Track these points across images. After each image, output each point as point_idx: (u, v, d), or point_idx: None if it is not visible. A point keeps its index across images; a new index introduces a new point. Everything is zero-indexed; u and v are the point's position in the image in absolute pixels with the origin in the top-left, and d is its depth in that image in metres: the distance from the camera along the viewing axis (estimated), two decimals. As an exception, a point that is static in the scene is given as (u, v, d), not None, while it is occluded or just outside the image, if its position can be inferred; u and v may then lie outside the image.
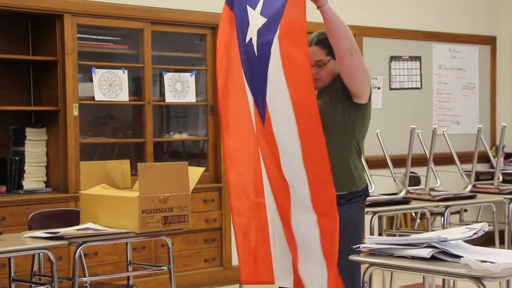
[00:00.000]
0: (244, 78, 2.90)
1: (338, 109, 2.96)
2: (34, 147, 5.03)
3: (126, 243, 4.01)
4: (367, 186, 3.08)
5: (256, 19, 2.84)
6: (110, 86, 5.22)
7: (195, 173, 3.69)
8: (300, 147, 2.68)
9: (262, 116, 2.80)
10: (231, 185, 3.05)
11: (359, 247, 2.49)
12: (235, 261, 5.64)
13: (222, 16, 3.06)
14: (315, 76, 2.96)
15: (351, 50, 2.84)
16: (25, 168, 4.98)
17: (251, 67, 2.85)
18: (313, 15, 2.88)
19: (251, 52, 2.83)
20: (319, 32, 3.02)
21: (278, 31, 2.71)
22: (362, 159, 3.08)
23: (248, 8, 2.89)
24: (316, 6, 2.79)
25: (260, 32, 2.80)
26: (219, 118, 5.75)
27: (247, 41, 2.87)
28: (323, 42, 2.97)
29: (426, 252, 2.33)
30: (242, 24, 2.90)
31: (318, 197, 2.69)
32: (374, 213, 4.20)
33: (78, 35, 5.09)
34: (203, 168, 3.86)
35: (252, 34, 2.84)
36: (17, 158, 4.96)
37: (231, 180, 3.05)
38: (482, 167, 6.82)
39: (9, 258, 3.50)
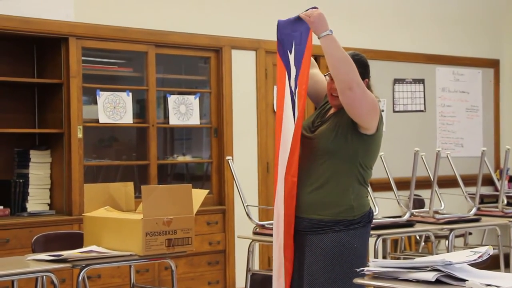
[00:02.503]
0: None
1: (340, 137, 2.94)
2: (38, 170, 5.04)
3: (130, 266, 4.00)
4: (370, 213, 3.02)
5: (292, 67, 3.04)
6: (114, 108, 5.24)
7: (198, 195, 3.69)
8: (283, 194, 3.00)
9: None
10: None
11: (362, 270, 2.48)
12: (239, 284, 5.61)
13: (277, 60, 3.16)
14: (334, 93, 2.98)
15: (350, 84, 2.81)
16: (29, 190, 4.98)
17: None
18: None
19: (292, 97, 3.04)
20: (355, 52, 3.01)
21: (297, 88, 3.00)
22: (367, 186, 3.04)
23: (288, 52, 3.06)
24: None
25: (296, 81, 3.03)
26: (222, 141, 5.79)
27: (290, 84, 3.06)
28: (356, 63, 2.92)
29: (430, 276, 2.31)
30: (287, 65, 3.09)
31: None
32: (378, 236, 4.18)
33: (83, 58, 5.12)
34: (207, 191, 3.86)
35: (292, 83, 3.05)
36: (21, 181, 4.97)
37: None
38: (486, 190, 6.80)
39: (12, 281, 3.49)
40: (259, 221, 4.33)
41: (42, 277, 3.48)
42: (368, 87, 2.99)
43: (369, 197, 3.08)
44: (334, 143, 2.95)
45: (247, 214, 4.16)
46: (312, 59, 3.19)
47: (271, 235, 4.00)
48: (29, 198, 4.97)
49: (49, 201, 5.09)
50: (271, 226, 4.07)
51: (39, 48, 5.19)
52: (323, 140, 2.97)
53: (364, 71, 2.98)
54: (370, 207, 3.05)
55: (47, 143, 5.14)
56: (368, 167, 3.01)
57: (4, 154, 5.03)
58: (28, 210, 4.94)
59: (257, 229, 4.17)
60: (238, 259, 5.63)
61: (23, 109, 5.16)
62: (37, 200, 5.02)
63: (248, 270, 4.12)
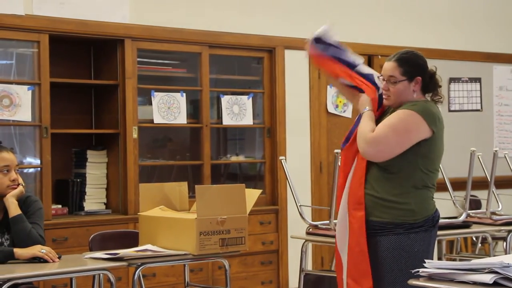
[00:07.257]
0: None
1: None
2: (95, 169, 5.13)
3: (184, 265, 4.04)
4: (434, 217, 2.96)
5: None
6: (168, 109, 5.30)
7: (252, 195, 3.70)
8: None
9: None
10: None
11: (418, 271, 2.45)
12: (292, 284, 5.61)
13: None
14: (385, 93, 2.98)
15: (366, 149, 2.93)
16: (86, 189, 5.07)
17: None
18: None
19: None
20: (405, 50, 3.02)
21: None
22: (432, 189, 2.97)
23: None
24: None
25: None
26: (275, 141, 5.80)
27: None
28: (402, 60, 2.96)
29: (488, 278, 2.27)
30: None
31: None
32: (434, 237, 4.12)
33: (138, 59, 5.19)
34: (260, 191, 3.87)
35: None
36: (78, 180, 5.07)
37: None
38: (545, 191, 6.63)
39: (71, 279, 3.57)
40: (312, 221, 4.32)
41: (99, 275, 3.54)
42: (428, 85, 3.01)
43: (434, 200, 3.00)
44: None
45: (300, 214, 4.15)
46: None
47: (324, 235, 4.01)
48: (86, 197, 5.07)
49: (105, 200, 5.18)
50: (324, 227, 4.07)
51: (96, 50, 5.29)
52: None
53: (412, 69, 2.97)
54: (436, 210, 2.98)
55: (104, 143, 5.23)
56: (431, 170, 2.95)
57: (62, 154, 5.13)
58: (85, 209, 5.04)
59: (310, 229, 4.17)
60: (291, 259, 5.63)
61: (80, 110, 5.26)
62: (94, 199, 5.12)
63: (301, 270, 4.11)
